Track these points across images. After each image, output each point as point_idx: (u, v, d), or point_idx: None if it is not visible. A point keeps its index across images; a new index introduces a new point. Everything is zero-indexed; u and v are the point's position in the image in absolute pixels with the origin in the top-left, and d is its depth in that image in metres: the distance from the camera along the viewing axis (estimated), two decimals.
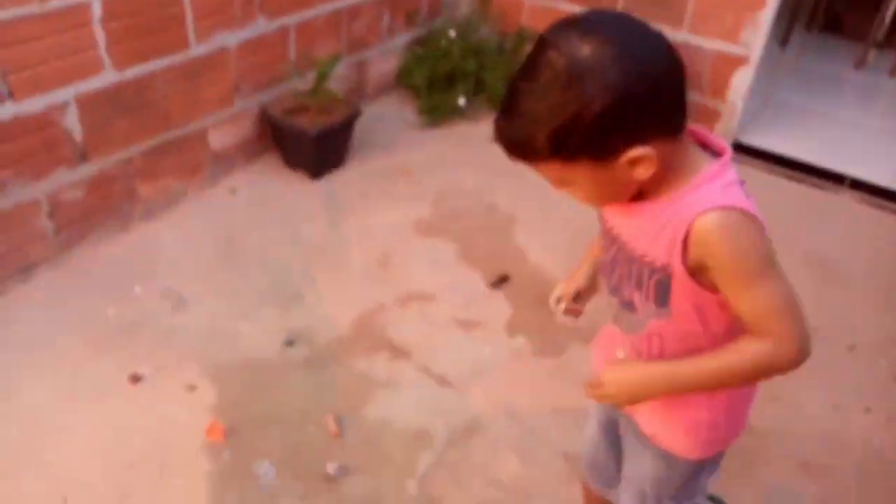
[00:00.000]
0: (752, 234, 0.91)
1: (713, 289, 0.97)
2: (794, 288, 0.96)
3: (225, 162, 2.90)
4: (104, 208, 2.48)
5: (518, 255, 2.69)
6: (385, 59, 3.57)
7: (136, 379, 2.04)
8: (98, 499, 1.74)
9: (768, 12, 3.11)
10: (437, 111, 3.52)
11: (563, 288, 1.28)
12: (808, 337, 0.96)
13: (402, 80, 3.67)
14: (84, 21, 2.18)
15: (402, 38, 3.64)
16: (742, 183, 0.95)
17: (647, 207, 0.97)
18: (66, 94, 2.20)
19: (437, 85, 3.57)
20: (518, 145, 0.91)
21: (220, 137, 2.83)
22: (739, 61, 3.24)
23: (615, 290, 1.12)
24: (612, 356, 1.20)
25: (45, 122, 2.18)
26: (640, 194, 0.97)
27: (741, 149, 3.42)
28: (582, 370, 2.19)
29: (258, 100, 2.93)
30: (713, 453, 1.24)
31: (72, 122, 2.25)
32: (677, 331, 1.04)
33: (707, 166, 0.94)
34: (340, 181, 3.03)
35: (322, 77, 2.90)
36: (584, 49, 0.83)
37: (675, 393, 1.08)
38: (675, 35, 3.29)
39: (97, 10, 2.19)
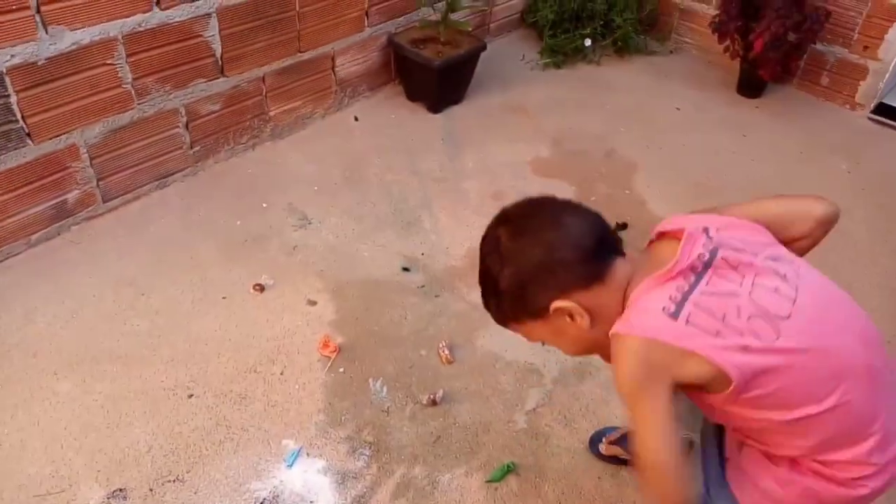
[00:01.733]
0: (632, 363, 0.95)
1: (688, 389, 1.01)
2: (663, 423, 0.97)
3: (350, 89, 2.92)
4: (237, 124, 2.56)
5: (637, 202, 2.59)
6: None
7: (260, 288, 2.11)
8: (220, 396, 1.83)
9: None
10: (560, 52, 3.41)
11: None
12: (666, 476, 0.97)
13: (527, 19, 3.56)
14: None
15: None
16: (678, 281, 0.97)
17: None
18: (210, 4, 2.25)
19: (562, 25, 3.46)
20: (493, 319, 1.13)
21: (347, 64, 2.84)
22: None
23: None
24: None
25: (188, 32, 2.25)
26: None
27: (886, 111, 3.15)
28: None
29: (386, 28, 2.91)
30: None
31: (213, 33, 2.31)
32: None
33: (638, 289, 1.00)
34: (459, 116, 3.00)
35: (451, 8, 2.85)
36: (495, 239, 1.05)
37: None
38: None
39: None
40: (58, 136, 2.09)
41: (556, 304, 1.01)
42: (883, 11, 2.99)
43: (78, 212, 2.26)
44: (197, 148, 2.48)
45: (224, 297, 2.09)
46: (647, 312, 0.95)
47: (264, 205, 2.42)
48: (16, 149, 2.02)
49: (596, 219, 1.05)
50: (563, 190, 2.62)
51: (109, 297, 2.06)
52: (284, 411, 1.80)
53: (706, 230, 1.02)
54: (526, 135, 2.91)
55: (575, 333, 1.05)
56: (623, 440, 1.69)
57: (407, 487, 1.65)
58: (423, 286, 2.18)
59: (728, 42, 3.12)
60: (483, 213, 2.48)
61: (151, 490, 1.61)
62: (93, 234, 2.27)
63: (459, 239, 2.36)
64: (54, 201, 2.18)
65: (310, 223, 2.37)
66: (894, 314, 2.19)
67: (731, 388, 0.93)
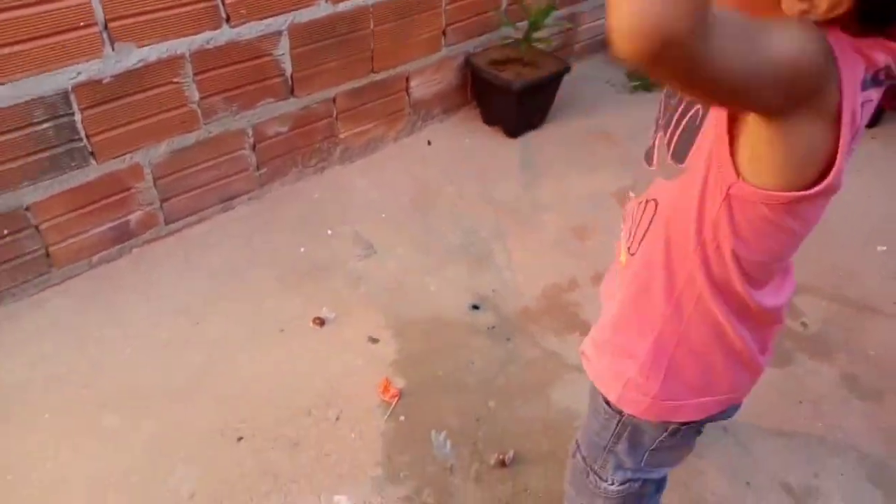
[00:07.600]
0: None
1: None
2: None
3: (424, 112, 2.78)
4: (305, 146, 2.46)
5: None
6: (599, 14, 3.28)
7: (320, 322, 1.98)
8: (271, 441, 1.69)
9: None
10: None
11: None
12: None
13: None
14: None
15: None
16: None
17: None
18: (281, 22, 2.15)
19: None
20: None
21: (422, 86, 2.71)
22: None
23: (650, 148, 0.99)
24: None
25: (257, 51, 2.16)
26: None
27: None
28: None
29: (464, 48, 2.77)
30: (638, 412, 1.04)
31: (283, 53, 2.21)
32: (673, 202, 0.91)
33: None
34: (539, 141, 2.81)
35: (534, 27, 2.68)
36: None
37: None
38: None
39: None
40: (121, 155, 2.03)
41: None
42: None
43: (140, 233, 2.19)
44: (263, 170, 2.38)
45: (282, 330, 1.96)
46: None
47: (329, 232, 2.30)
48: (79, 168, 1.96)
49: None
50: None
51: (164, 326, 1.97)
52: (338, 462, 1.65)
53: None
54: (612, 163, 2.70)
55: None
56: None
57: None
58: (493, 327, 2.00)
59: None
60: (562, 248, 2.28)
61: None
62: (153, 258, 2.19)
63: (534, 277, 2.16)
64: (116, 222, 2.12)
65: (375, 253, 2.23)
66: None
67: None
